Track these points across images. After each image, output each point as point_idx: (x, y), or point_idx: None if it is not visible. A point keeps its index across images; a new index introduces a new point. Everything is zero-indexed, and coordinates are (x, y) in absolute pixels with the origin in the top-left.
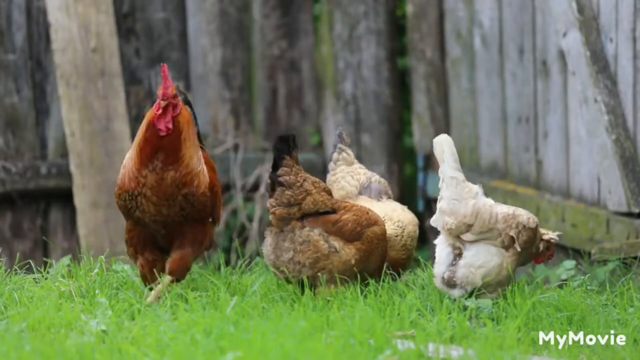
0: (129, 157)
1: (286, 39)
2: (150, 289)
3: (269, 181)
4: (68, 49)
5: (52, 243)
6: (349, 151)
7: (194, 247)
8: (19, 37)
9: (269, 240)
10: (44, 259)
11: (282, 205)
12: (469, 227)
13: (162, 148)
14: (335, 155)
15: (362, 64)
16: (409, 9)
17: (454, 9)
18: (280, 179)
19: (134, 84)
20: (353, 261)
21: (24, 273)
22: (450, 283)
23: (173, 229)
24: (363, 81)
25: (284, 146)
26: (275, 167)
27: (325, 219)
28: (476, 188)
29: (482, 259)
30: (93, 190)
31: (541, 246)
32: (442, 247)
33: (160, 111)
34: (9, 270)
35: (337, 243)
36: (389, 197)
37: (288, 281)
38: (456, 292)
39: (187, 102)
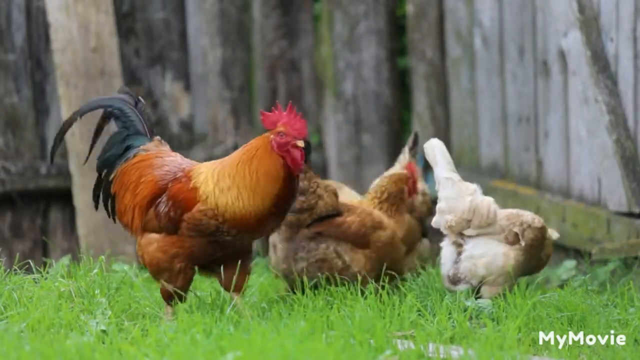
0: (235, 194)
1: (286, 39)
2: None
3: None
4: (68, 49)
5: (51, 243)
6: (407, 154)
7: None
8: (18, 37)
9: (280, 247)
10: (44, 259)
11: (293, 212)
12: (468, 223)
13: (295, 193)
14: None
15: (362, 64)
16: (409, 9)
17: (454, 9)
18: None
19: (134, 84)
20: (364, 271)
21: (24, 273)
22: (455, 279)
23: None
24: (363, 81)
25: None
26: None
27: (331, 222)
28: (473, 186)
29: (483, 249)
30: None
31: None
32: (446, 247)
33: (297, 152)
34: (8, 270)
35: (347, 256)
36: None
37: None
38: (461, 287)
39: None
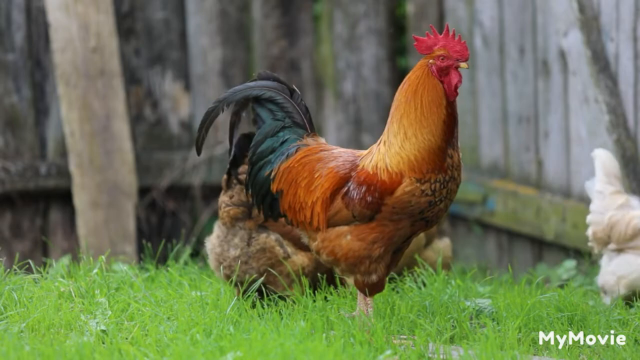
0: (402, 137)
1: (286, 38)
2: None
3: (225, 177)
4: (68, 49)
5: (51, 243)
6: None
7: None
8: (18, 37)
9: (217, 232)
10: (44, 259)
11: (238, 205)
12: (609, 238)
13: (456, 120)
14: None
15: (362, 64)
16: (410, 8)
17: (455, 9)
18: (241, 176)
19: (133, 84)
20: (306, 270)
21: (24, 273)
22: (602, 289)
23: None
24: (363, 81)
25: (247, 144)
26: (236, 164)
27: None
28: (622, 200)
29: (623, 270)
30: (93, 190)
31: None
32: (603, 257)
33: (457, 76)
34: (8, 270)
35: (290, 248)
36: None
37: (228, 278)
38: (605, 299)
39: None
